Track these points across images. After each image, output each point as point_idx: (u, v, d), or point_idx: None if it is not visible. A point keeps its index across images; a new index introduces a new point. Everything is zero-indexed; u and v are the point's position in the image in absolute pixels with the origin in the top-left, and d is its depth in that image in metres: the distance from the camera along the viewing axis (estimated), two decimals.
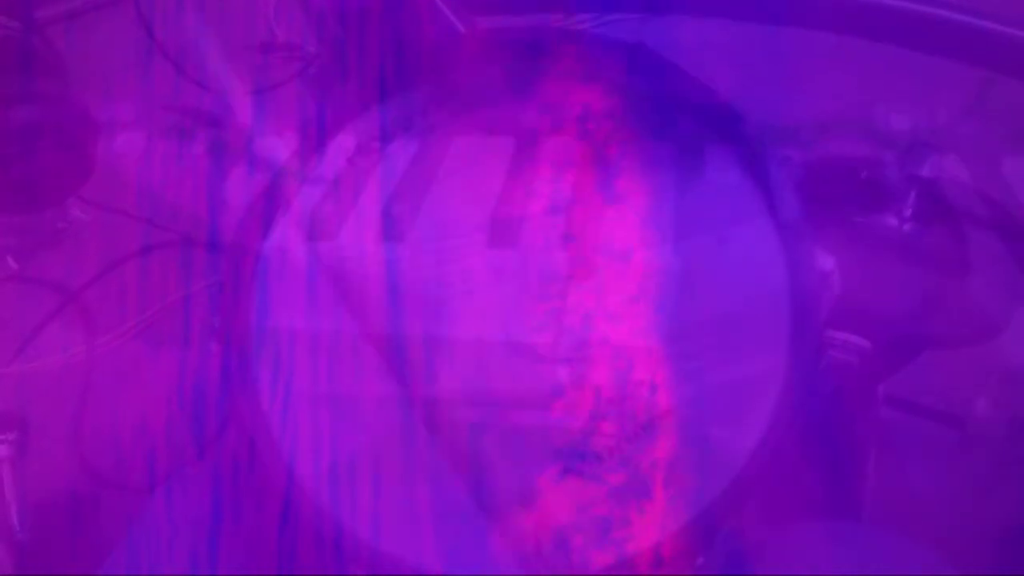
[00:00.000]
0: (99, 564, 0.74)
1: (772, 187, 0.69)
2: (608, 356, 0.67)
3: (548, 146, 0.72)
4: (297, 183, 0.73)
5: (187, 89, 0.81)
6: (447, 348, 0.69)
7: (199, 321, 0.76)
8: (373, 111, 0.74)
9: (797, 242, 0.67)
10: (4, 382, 0.79)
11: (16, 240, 0.82)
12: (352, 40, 0.79)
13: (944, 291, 0.75)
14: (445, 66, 0.76)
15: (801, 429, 0.67)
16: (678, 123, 0.72)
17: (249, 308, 0.70)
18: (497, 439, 0.67)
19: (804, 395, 0.65)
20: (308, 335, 0.70)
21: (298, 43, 0.84)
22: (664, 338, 0.67)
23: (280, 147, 0.77)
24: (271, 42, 0.86)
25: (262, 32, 0.85)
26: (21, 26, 0.74)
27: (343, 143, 0.74)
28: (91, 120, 0.77)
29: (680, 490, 0.64)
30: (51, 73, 0.76)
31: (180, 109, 0.85)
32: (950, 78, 0.78)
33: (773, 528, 0.69)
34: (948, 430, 0.76)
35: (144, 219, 0.80)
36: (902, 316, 0.75)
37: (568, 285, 0.69)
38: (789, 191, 0.70)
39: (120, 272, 0.80)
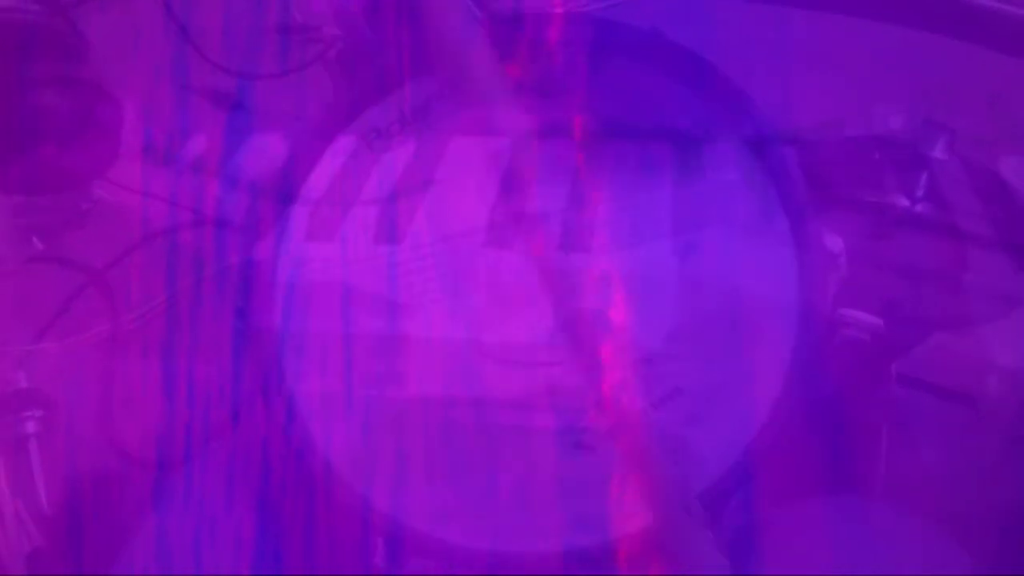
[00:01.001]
0: (126, 540, 0.75)
1: (780, 176, 0.69)
2: (604, 355, 0.67)
3: (547, 147, 0.72)
4: (297, 182, 0.74)
5: (206, 70, 0.82)
6: (445, 348, 0.70)
7: (223, 300, 0.77)
8: (384, 102, 0.75)
9: (807, 242, 0.68)
10: (30, 360, 0.80)
11: (41, 220, 0.82)
12: (369, 24, 0.79)
13: (948, 275, 0.76)
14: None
15: (813, 407, 0.68)
16: (686, 110, 0.72)
17: (261, 310, 0.71)
18: (492, 437, 0.68)
19: (806, 392, 0.66)
20: (307, 336, 0.71)
21: (317, 25, 0.84)
22: (669, 337, 0.68)
23: (283, 143, 0.77)
24: (289, 24, 0.86)
25: (280, 13, 0.86)
26: (46, 9, 0.74)
27: (346, 140, 0.75)
28: (116, 102, 0.78)
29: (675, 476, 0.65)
30: (76, 56, 0.76)
31: (198, 90, 0.85)
32: (949, 77, 0.78)
33: (782, 504, 0.70)
34: (959, 409, 0.77)
35: (168, 199, 0.81)
36: (912, 295, 0.75)
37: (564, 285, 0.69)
38: (799, 179, 0.70)
39: (144, 252, 0.81)
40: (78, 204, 0.83)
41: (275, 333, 0.71)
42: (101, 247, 0.81)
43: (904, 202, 0.74)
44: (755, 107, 0.71)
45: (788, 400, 0.65)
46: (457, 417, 0.68)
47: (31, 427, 0.79)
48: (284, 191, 0.73)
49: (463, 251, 0.71)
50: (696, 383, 0.66)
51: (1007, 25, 0.70)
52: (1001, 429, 0.77)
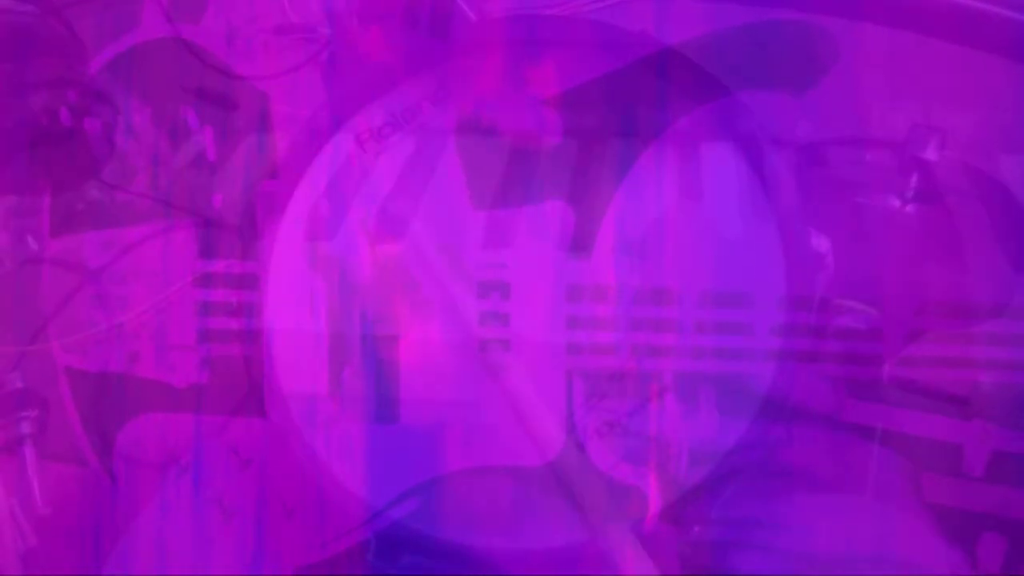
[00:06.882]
0: (117, 539, 0.75)
1: (769, 175, 0.70)
2: (600, 348, 0.68)
3: (545, 146, 0.73)
4: (297, 180, 0.74)
5: (201, 71, 0.82)
6: (442, 346, 0.70)
7: (215, 301, 0.77)
8: (378, 101, 0.75)
9: (794, 237, 0.68)
10: (25, 361, 0.80)
11: (36, 221, 0.83)
12: (361, 26, 0.80)
13: (942, 272, 0.76)
14: (451, 56, 0.76)
15: (805, 405, 0.68)
16: (678, 112, 0.72)
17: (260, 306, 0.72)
18: (483, 436, 0.68)
19: (796, 390, 0.66)
20: (306, 335, 0.71)
21: (314, 25, 0.84)
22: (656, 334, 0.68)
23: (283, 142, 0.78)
24: (286, 24, 0.86)
25: (277, 14, 0.86)
26: (42, 11, 0.75)
27: (344, 138, 0.75)
28: (111, 102, 0.78)
29: (666, 472, 0.65)
30: (71, 57, 0.76)
31: (191, 90, 0.85)
32: (948, 74, 0.79)
33: (774, 501, 0.71)
34: (952, 408, 0.77)
35: (161, 200, 0.81)
36: (904, 295, 0.75)
37: (560, 284, 0.70)
38: (787, 177, 0.70)
39: (138, 252, 0.81)
40: (73, 205, 0.83)
41: (268, 331, 0.71)
42: (96, 248, 0.82)
43: (895, 203, 0.75)
44: (745, 109, 0.71)
45: (778, 397, 0.65)
46: (450, 416, 0.68)
47: (26, 428, 0.79)
48: (279, 191, 0.74)
49: (456, 252, 0.71)
50: (684, 381, 0.67)
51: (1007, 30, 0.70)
52: (994, 428, 0.77)
